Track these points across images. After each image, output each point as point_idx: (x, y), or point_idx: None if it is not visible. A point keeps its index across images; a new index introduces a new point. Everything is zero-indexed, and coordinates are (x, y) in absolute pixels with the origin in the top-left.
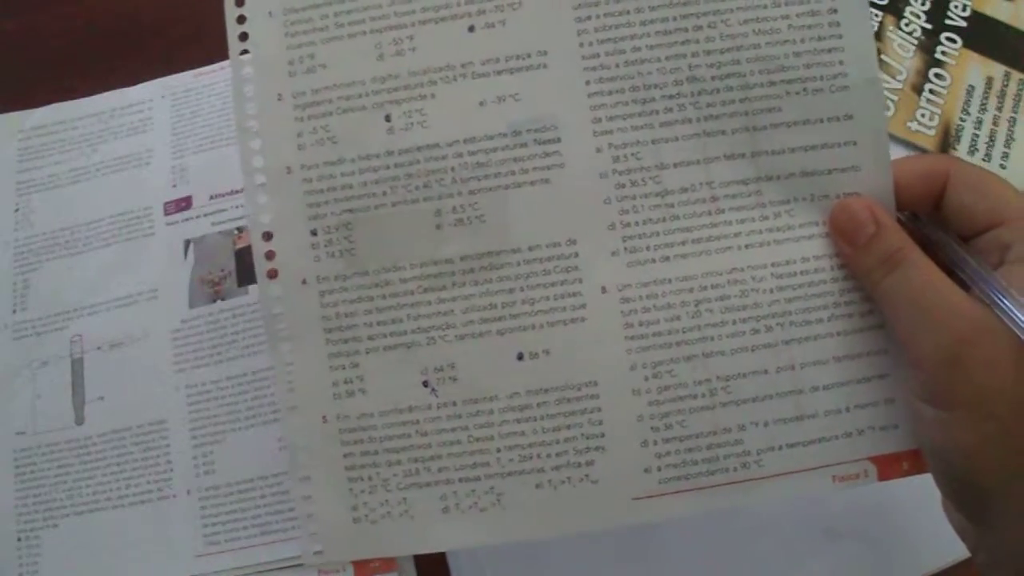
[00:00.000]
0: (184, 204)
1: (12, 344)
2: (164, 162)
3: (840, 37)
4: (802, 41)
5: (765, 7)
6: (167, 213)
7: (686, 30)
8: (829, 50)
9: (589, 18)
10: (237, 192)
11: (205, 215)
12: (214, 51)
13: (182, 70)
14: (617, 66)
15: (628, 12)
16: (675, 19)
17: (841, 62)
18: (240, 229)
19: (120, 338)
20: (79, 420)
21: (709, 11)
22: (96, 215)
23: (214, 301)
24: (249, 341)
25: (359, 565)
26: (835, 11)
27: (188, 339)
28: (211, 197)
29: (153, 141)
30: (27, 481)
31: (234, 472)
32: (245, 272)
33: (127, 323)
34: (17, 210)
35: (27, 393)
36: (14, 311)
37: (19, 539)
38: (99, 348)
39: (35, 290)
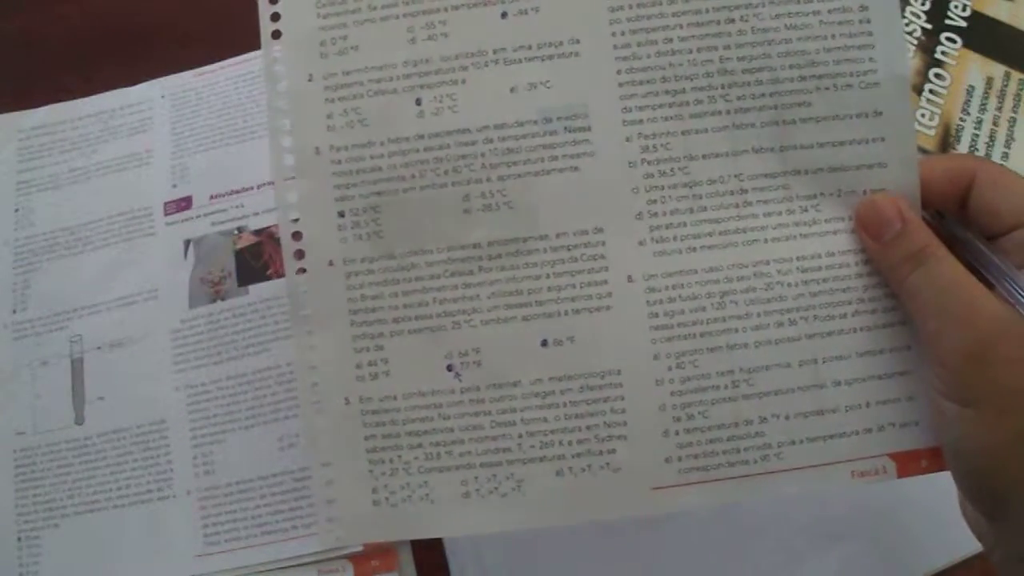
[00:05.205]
0: (184, 204)
1: (12, 344)
2: (164, 162)
3: (870, 34)
4: (833, 37)
5: (797, 2)
6: (167, 213)
7: (718, 23)
8: (859, 46)
9: (622, 8)
10: (237, 192)
11: (205, 215)
12: (214, 51)
13: (182, 70)
14: (648, 56)
15: (661, 3)
16: (707, 12)
17: (871, 59)
18: (240, 229)
19: (120, 338)
20: (79, 420)
21: (741, 5)
22: (96, 215)
23: (214, 301)
24: (249, 341)
25: (359, 564)
26: (865, 8)
27: (188, 339)
28: (211, 197)
29: (153, 141)
30: (27, 481)
31: (234, 472)
32: (245, 272)
33: (127, 323)
34: (17, 210)
35: (27, 393)
36: (14, 311)
37: (19, 539)
38: (99, 348)
39: (35, 290)
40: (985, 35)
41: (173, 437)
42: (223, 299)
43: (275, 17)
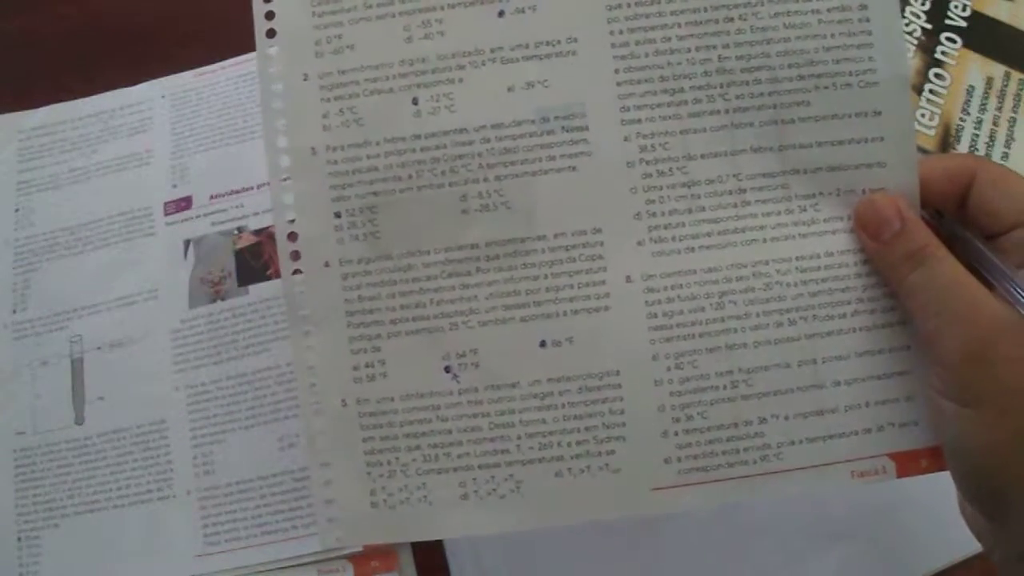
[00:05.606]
0: (184, 204)
1: (12, 344)
2: (164, 162)
3: (870, 33)
4: (832, 36)
5: (796, 1)
6: (167, 213)
7: (717, 21)
8: (859, 46)
9: (620, 6)
10: (237, 192)
11: (205, 215)
12: (214, 51)
13: (182, 70)
14: (647, 55)
15: (659, 2)
16: (706, 10)
17: (871, 58)
18: (240, 229)
19: (120, 338)
20: (79, 420)
21: (740, 3)
22: (96, 215)
23: (214, 301)
24: (249, 341)
25: (359, 564)
26: (865, 7)
27: (188, 339)
28: (211, 197)
29: (153, 141)
30: (27, 481)
31: (234, 472)
32: (245, 272)
33: (127, 323)
34: (17, 210)
35: (27, 393)
36: (14, 311)
37: (19, 539)
38: (99, 348)
39: (35, 290)
40: (985, 35)
41: (173, 437)
42: (223, 299)
43: (269, 16)
